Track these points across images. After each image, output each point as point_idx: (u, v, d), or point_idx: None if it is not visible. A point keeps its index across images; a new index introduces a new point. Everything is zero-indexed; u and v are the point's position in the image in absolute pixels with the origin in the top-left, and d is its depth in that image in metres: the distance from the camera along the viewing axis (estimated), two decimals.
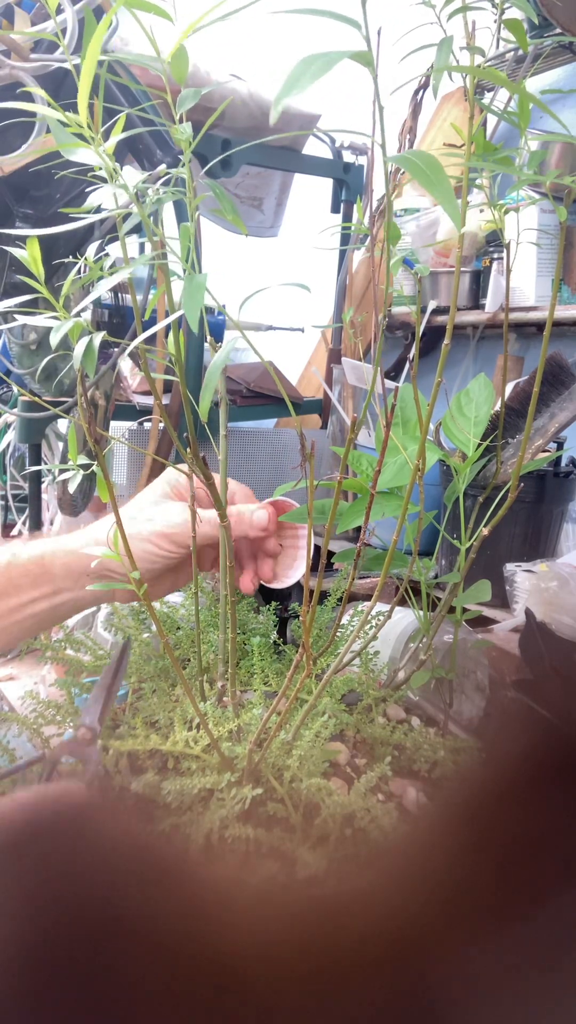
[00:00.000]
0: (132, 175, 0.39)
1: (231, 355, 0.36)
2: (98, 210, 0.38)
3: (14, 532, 1.77)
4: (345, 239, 1.85)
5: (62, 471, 0.48)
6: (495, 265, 1.68)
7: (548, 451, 1.38)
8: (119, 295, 1.44)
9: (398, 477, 0.56)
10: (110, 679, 0.55)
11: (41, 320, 0.39)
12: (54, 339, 0.34)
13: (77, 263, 0.45)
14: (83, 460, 0.48)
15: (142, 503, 0.59)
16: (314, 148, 1.74)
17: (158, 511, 0.58)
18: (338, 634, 0.70)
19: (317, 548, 0.63)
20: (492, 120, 1.76)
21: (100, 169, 0.37)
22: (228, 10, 0.31)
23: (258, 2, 0.31)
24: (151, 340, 1.41)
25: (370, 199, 1.85)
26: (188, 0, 0.39)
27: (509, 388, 1.25)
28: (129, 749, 0.53)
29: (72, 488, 1.28)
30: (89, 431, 0.39)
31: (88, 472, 0.47)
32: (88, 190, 0.39)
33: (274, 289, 0.35)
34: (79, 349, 0.34)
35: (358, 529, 0.52)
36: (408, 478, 0.52)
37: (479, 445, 0.58)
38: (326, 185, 1.80)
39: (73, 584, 0.57)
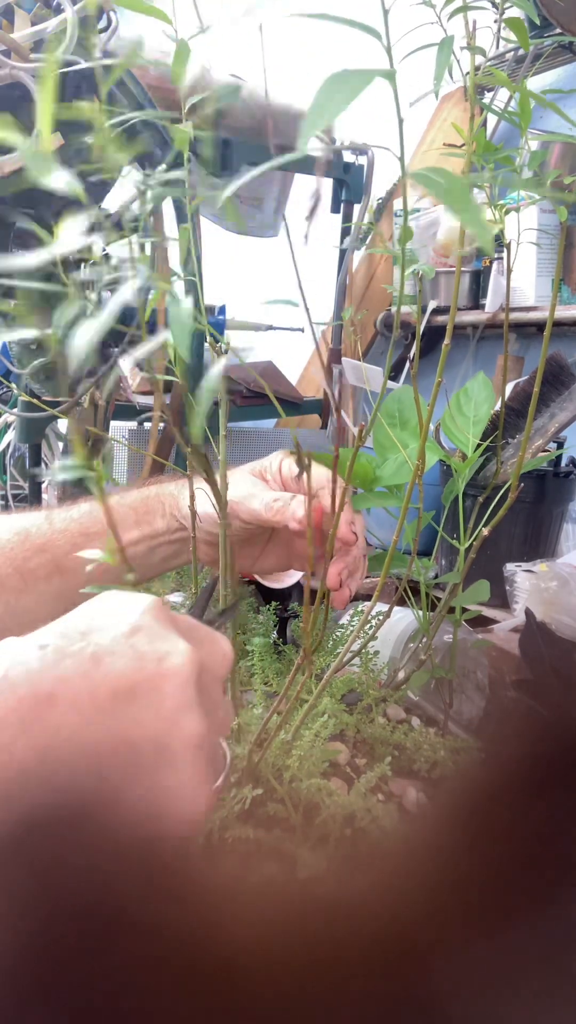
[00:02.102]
0: (132, 175, 0.38)
1: (230, 356, 0.36)
2: (99, 210, 0.38)
3: None
4: (345, 239, 1.85)
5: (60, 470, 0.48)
6: (495, 265, 1.68)
7: (548, 451, 1.38)
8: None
9: (397, 476, 0.56)
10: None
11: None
12: (58, 320, 0.34)
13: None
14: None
15: (233, 472, 0.59)
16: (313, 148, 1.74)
17: (232, 480, 0.57)
18: (338, 634, 0.70)
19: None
20: (491, 120, 1.76)
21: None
22: (233, 12, 0.31)
23: (259, 5, 0.31)
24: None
25: (368, 200, 1.85)
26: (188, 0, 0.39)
27: (509, 388, 1.25)
28: None
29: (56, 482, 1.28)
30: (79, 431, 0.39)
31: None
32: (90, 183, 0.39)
33: (274, 289, 0.35)
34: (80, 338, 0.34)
35: None
36: (407, 477, 0.52)
37: (479, 445, 0.58)
38: (326, 185, 1.80)
39: (166, 527, 0.59)
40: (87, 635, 0.27)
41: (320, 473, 0.53)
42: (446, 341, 0.45)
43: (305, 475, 0.40)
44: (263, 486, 0.57)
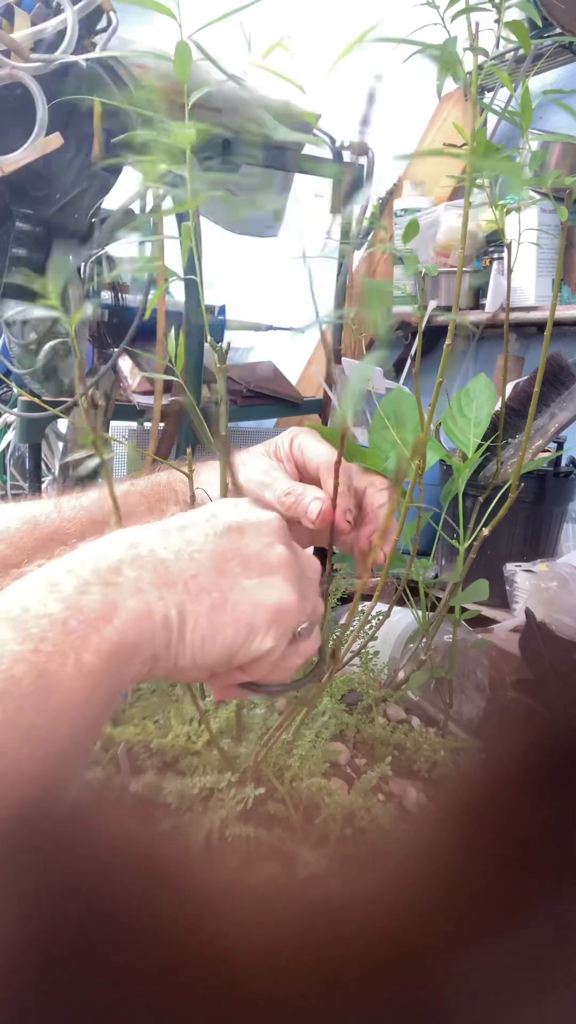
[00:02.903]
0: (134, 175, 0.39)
1: (231, 355, 0.37)
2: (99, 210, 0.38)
3: None
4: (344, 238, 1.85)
5: (64, 466, 0.48)
6: (495, 265, 1.68)
7: (548, 451, 1.38)
8: (119, 295, 1.44)
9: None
10: None
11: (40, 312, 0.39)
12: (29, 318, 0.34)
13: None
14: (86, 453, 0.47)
15: (247, 455, 0.58)
16: (314, 148, 1.74)
17: (246, 465, 0.57)
18: (337, 634, 0.70)
19: (321, 550, 0.63)
20: (491, 120, 1.76)
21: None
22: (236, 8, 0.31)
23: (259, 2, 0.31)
24: (151, 340, 1.42)
25: (368, 200, 1.85)
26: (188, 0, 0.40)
27: (509, 388, 1.25)
28: (129, 739, 0.53)
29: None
30: (93, 429, 0.39)
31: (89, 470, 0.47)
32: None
33: (274, 289, 0.35)
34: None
35: None
36: (408, 476, 0.52)
37: (480, 446, 0.58)
38: (326, 185, 1.80)
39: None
40: (209, 511, 0.39)
41: (328, 452, 0.53)
42: (448, 340, 0.45)
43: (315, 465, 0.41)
44: (278, 470, 0.56)
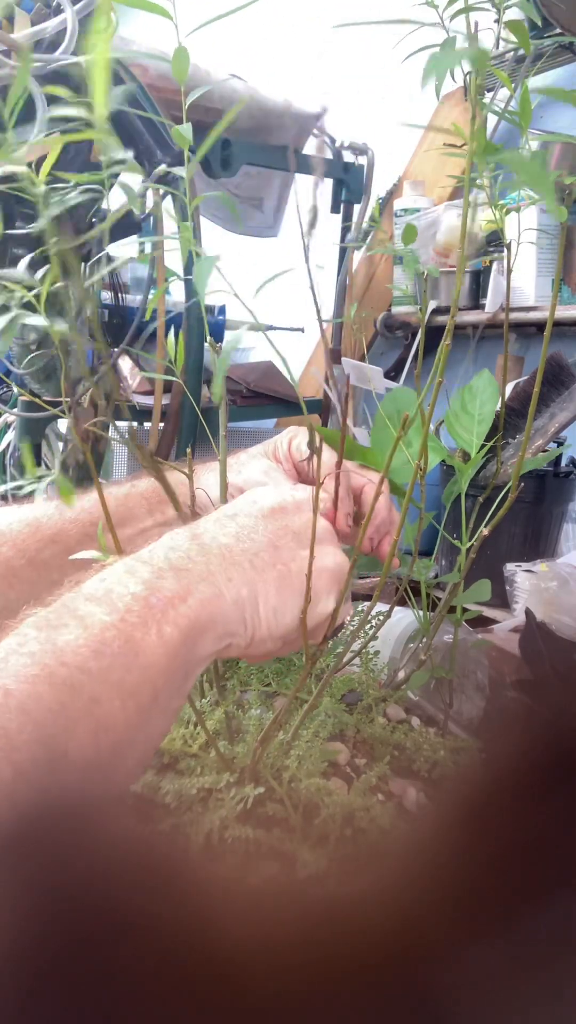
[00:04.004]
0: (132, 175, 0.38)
1: (231, 355, 0.37)
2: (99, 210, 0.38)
3: None
4: (344, 238, 1.85)
5: (63, 466, 0.48)
6: (495, 265, 1.68)
7: (548, 451, 1.38)
8: (119, 295, 1.44)
9: (400, 474, 0.56)
10: None
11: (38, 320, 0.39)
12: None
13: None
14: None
15: (245, 457, 0.59)
16: (314, 148, 1.74)
17: (246, 467, 0.57)
18: (338, 634, 0.70)
19: None
20: (491, 120, 1.76)
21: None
22: (233, 8, 0.31)
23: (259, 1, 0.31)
24: (151, 341, 1.41)
25: (368, 200, 1.85)
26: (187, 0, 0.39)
27: (509, 388, 1.25)
28: None
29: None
30: (79, 431, 0.39)
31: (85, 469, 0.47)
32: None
33: (274, 289, 0.35)
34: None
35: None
36: (408, 476, 0.52)
37: (483, 445, 0.58)
38: (326, 185, 1.80)
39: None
40: (249, 499, 0.44)
41: (327, 452, 0.53)
42: (446, 340, 0.45)
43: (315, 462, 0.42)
44: (277, 472, 0.56)
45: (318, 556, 0.40)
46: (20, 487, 0.41)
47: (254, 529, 0.40)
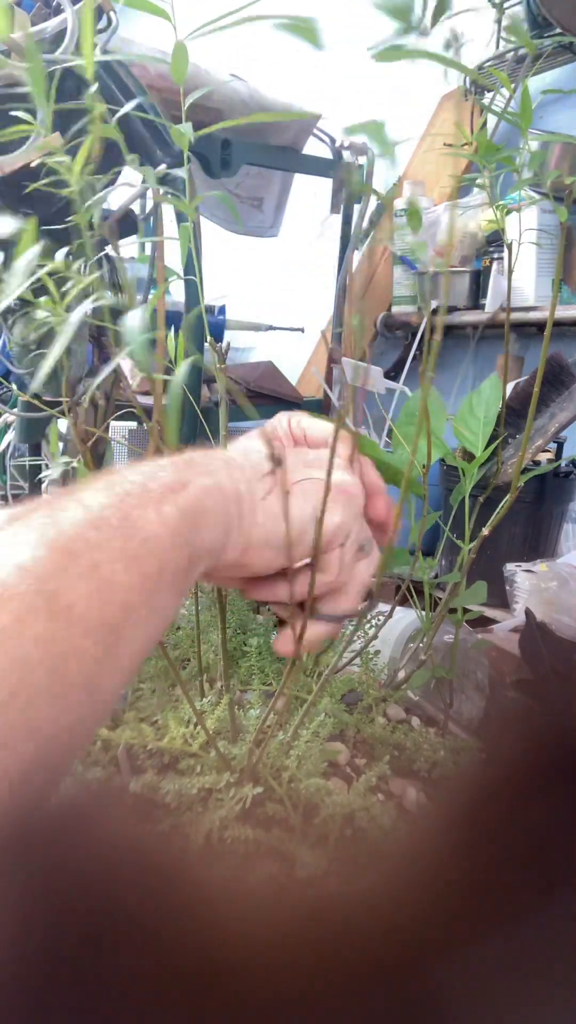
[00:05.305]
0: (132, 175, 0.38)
1: (231, 355, 0.37)
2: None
3: None
4: (344, 239, 1.85)
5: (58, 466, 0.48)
6: (495, 265, 1.68)
7: (548, 451, 1.38)
8: (119, 295, 1.44)
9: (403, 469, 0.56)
10: None
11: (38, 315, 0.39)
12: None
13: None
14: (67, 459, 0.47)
15: (242, 440, 0.59)
16: (314, 148, 1.74)
17: (246, 449, 0.57)
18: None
19: None
20: (491, 119, 1.76)
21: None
22: (234, 10, 0.31)
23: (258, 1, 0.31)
24: (151, 340, 1.41)
25: (368, 200, 1.85)
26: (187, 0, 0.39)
27: (509, 388, 1.25)
28: (126, 742, 0.53)
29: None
30: (79, 431, 0.39)
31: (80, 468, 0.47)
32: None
33: (274, 289, 0.35)
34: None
35: None
36: (412, 471, 0.52)
37: (487, 445, 0.58)
38: (326, 185, 1.80)
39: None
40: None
41: (329, 427, 0.53)
42: (437, 337, 0.45)
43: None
44: (281, 449, 0.56)
45: (325, 474, 0.39)
46: (21, 487, 0.41)
47: (263, 452, 0.39)
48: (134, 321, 0.29)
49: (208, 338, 0.54)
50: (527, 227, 1.44)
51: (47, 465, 1.55)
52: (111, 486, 0.33)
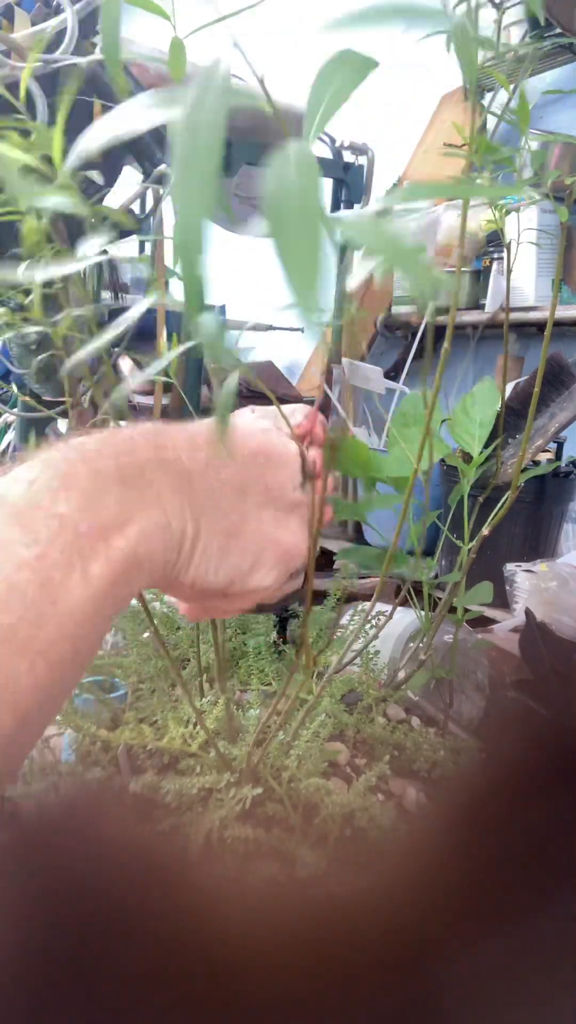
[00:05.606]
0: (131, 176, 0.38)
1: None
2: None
3: None
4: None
5: None
6: (495, 265, 1.68)
7: (548, 451, 1.38)
8: (119, 295, 1.45)
9: (399, 469, 0.56)
10: None
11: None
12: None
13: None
14: None
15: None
16: (313, 148, 1.74)
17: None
18: (338, 634, 0.70)
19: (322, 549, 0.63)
20: (491, 119, 1.76)
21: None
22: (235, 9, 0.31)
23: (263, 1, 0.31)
24: (150, 340, 1.41)
25: (368, 200, 1.85)
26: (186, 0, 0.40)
27: (509, 388, 1.25)
28: (126, 742, 0.53)
29: None
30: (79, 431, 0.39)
31: None
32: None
33: (274, 289, 0.35)
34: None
35: (359, 528, 0.52)
36: (408, 471, 0.52)
37: (485, 447, 0.58)
38: (326, 185, 1.80)
39: None
40: (240, 429, 0.40)
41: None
42: (445, 345, 0.45)
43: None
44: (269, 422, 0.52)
45: (277, 527, 0.36)
46: None
47: (227, 466, 0.35)
48: (208, 320, 0.27)
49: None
50: (527, 227, 1.44)
51: None
52: (35, 515, 0.28)
